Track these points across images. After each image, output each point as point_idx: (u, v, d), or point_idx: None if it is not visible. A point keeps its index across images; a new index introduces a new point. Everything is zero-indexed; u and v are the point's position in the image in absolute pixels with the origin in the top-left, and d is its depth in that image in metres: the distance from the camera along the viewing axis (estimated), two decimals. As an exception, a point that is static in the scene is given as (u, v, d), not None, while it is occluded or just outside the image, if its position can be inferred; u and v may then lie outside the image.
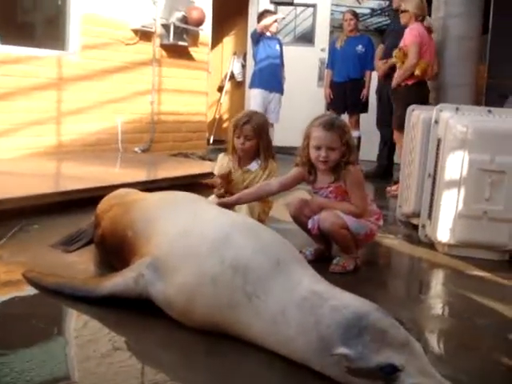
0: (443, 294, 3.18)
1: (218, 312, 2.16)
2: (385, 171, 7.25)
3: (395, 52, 6.09)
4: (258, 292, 2.10)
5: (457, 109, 3.94)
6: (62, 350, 2.14)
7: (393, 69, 6.46)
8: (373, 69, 7.83)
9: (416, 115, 4.58)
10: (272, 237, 2.36)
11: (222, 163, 3.88)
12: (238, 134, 3.79)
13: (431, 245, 3.98)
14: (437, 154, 3.97)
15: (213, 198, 3.79)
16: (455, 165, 3.71)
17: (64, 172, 5.72)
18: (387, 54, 6.74)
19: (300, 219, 3.47)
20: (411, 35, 5.96)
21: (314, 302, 1.97)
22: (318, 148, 3.19)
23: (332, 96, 8.15)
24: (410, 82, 6.05)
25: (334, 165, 3.23)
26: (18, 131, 5.86)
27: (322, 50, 9.55)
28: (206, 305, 2.18)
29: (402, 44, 6.04)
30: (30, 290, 2.65)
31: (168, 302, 2.31)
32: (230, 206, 3.22)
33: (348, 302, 1.96)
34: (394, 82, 6.17)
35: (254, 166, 3.84)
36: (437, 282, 3.45)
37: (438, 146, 3.95)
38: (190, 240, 2.33)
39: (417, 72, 5.96)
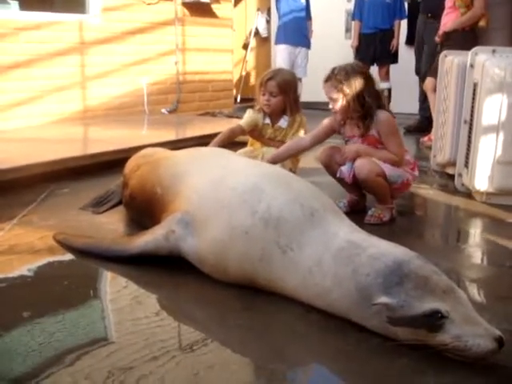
0: (483, 243, 3.07)
1: (251, 266, 2.10)
2: (430, 123, 6.97)
3: None
4: (291, 244, 2.03)
5: (493, 51, 3.77)
6: (95, 311, 2.12)
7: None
8: (402, 17, 7.58)
9: (449, 61, 4.40)
10: (305, 187, 2.28)
11: (249, 116, 3.87)
12: (262, 91, 3.77)
13: (468, 194, 3.87)
14: (473, 99, 3.82)
15: (243, 151, 3.79)
16: (493, 109, 3.56)
17: (91, 136, 5.68)
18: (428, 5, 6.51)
19: (331, 167, 3.37)
20: None
21: (351, 251, 1.90)
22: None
23: (359, 47, 7.93)
24: (467, 28, 5.80)
25: (344, 114, 3.17)
26: (42, 98, 5.83)
27: (349, 0, 9.26)
28: (238, 259, 2.13)
29: None
30: (61, 252, 2.63)
31: (200, 258, 2.26)
32: None
33: (387, 249, 1.88)
34: (451, 26, 5.85)
35: (283, 122, 3.83)
36: (476, 231, 3.34)
37: (474, 90, 3.80)
38: (219, 193, 2.26)
39: (482, 23, 5.67)
